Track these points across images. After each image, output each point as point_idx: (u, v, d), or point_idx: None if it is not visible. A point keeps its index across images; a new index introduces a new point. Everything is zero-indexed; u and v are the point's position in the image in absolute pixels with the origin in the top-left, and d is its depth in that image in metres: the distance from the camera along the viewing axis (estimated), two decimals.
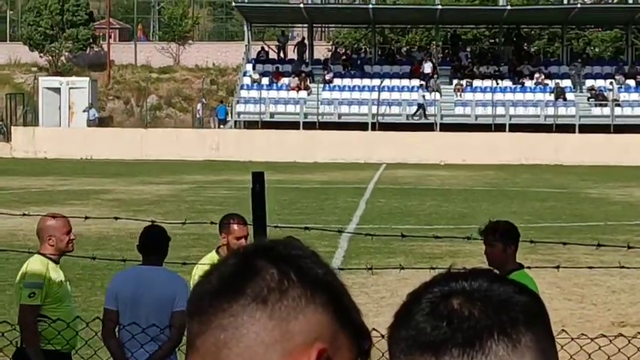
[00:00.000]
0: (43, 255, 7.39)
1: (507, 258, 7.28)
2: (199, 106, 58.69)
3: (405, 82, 56.35)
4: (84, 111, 56.12)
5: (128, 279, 7.34)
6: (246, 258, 1.46)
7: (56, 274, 7.39)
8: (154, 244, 7.30)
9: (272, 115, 54.18)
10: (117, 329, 7.29)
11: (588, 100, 54.05)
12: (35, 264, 7.36)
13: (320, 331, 1.43)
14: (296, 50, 60.25)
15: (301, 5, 56.58)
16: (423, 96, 53.80)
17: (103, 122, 58.32)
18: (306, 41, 61.57)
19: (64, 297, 7.49)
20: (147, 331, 6.98)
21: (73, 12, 64.47)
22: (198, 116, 58.52)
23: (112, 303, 7.24)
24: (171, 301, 7.13)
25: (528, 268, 8.07)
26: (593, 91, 54.46)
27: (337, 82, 56.60)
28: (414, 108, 53.98)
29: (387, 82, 55.75)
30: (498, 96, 54.38)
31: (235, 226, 7.69)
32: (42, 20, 64.17)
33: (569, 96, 54.41)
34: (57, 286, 7.37)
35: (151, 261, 7.29)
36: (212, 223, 7.48)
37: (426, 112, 53.12)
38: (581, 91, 54.68)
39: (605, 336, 6.24)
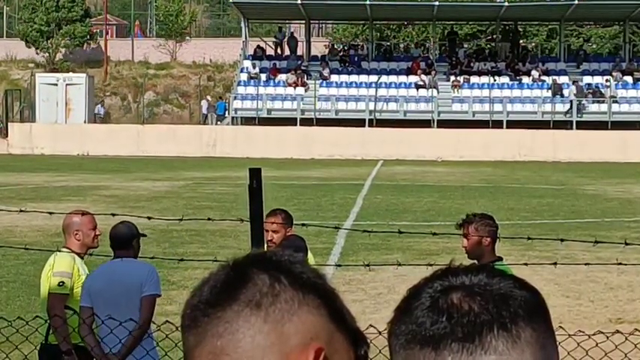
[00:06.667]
0: (69, 249, 7.64)
1: (484, 250, 7.29)
2: (204, 102, 58.53)
3: (403, 78, 56.34)
4: (97, 104, 58.04)
5: (98, 275, 7.53)
6: (237, 267, 1.47)
7: (82, 268, 7.67)
8: (117, 241, 7.54)
9: (269, 111, 54.15)
10: (94, 324, 7.45)
11: (585, 96, 54.01)
12: (63, 257, 7.62)
13: (315, 331, 1.43)
14: (287, 46, 60.19)
15: (298, 1, 56.49)
16: (574, 94, 53.56)
17: (100, 118, 58.34)
18: (295, 35, 61.46)
19: None
20: (120, 321, 7.09)
21: (69, 8, 64.37)
22: (203, 112, 58.34)
23: (86, 300, 7.43)
24: (138, 287, 7.34)
25: (525, 264, 8.07)
26: (590, 90, 54.46)
27: (334, 78, 56.56)
28: (412, 104, 53.94)
29: (384, 78, 55.73)
30: (496, 92, 54.38)
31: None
32: (37, 17, 64.08)
33: (567, 92, 54.39)
34: (82, 279, 7.58)
35: (121, 256, 7.52)
36: (209, 219, 7.46)
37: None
38: (582, 94, 54.56)
39: (602, 332, 6.23)
